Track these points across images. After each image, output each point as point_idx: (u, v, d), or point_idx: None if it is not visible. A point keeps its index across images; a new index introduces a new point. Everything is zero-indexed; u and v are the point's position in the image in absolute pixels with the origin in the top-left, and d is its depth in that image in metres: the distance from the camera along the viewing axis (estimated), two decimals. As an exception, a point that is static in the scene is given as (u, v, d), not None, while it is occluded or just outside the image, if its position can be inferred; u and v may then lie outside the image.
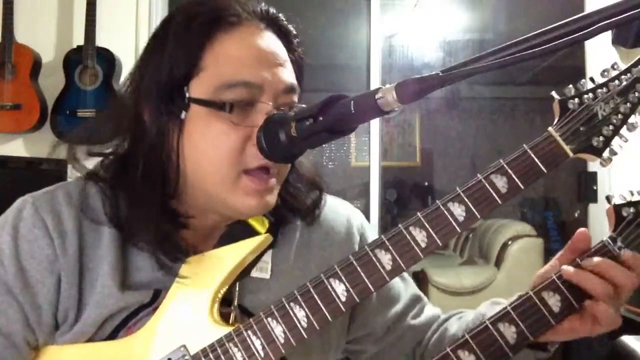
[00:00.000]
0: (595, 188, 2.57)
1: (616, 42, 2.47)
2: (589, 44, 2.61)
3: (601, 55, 2.56)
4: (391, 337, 0.97)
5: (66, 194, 0.85)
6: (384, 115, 0.68)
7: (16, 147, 2.58)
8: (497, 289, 3.79)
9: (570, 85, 0.69)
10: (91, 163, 0.90)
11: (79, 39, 2.55)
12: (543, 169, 0.67)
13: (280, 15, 0.87)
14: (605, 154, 0.67)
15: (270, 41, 0.83)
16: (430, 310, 1.01)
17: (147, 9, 2.65)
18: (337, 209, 0.99)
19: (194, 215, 0.86)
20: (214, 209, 0.85)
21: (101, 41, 2.54)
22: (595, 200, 2.58)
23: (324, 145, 0.78)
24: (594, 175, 2.58)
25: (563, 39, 0.54)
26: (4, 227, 0.82)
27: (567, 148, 0.68)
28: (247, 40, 0.81)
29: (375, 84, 2.98)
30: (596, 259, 0.70)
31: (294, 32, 0.88)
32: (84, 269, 0.82)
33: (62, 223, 0.82)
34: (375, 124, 2.96)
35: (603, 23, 0.52)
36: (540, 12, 3.81)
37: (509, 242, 3.94)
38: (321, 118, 0.70)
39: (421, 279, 3.89)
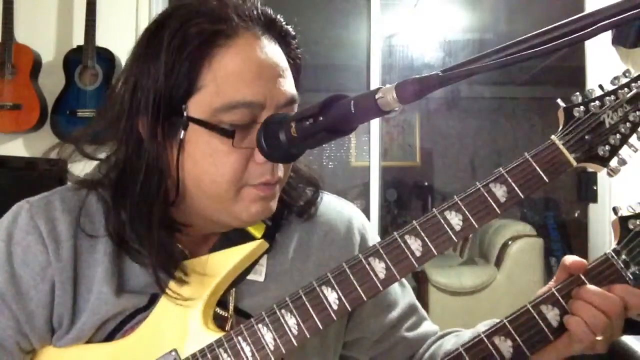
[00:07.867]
0: (595, 188, 2.56)
1: (616, 42, 2.47)
2: (589, 44, 2.61)
3: (601, 55, 2.56)
4: (383, 346, 0.96)
5: (62, 200, 0.84)
6: (384, 115, 0.67)
7: (16, 147, 2.58)
8: (497, 289, 3.79)
9: (577, 93, 0.67)
10: (88, 165, 0.89)
11: (79, 39, 2.55)
12: (545, 178, 0.65)
13: (277, 16, 0.82)
14: (613, 163, 0.65)
15: (269, 50, 0.79)
16: (427, 326, 0.98)
17: (147, 9, 2.64)
18: (338, 209, 0.96)
19: (192, 224, 0.85)
20: (214, 218, 0.83)
21: (101, 41, 2.54)
22: (595, 200, 2.58)
23: (324, 145, 0.77)
24: (594, 175, 2.58)
25: (563, 39, 0.54)
26: None
27: (570, 157, 0.66)
28: (245, 54, 0.76)
29: (375, 84, 2.98)
30: (591, 288, 0.67)
31: (293, 33, 0.84)
32: (79, 275, 0.82)
33: (56, 229, 0.82)
34: (375, 124, 2.95)
35: (603, 23, 0.52)
36: (540, 12, 3.81)
37: (509, 242, 3.93)
38: (321, 118, 0.69)
39: (421, 279, 3.89)
